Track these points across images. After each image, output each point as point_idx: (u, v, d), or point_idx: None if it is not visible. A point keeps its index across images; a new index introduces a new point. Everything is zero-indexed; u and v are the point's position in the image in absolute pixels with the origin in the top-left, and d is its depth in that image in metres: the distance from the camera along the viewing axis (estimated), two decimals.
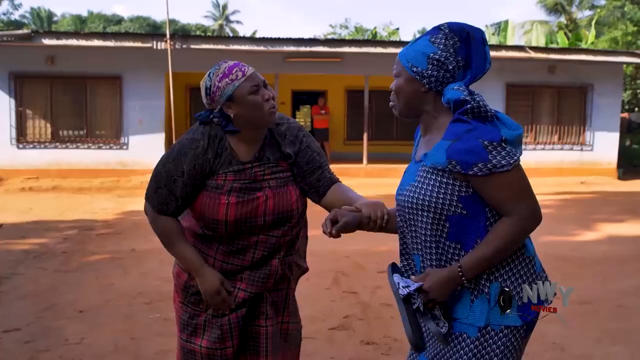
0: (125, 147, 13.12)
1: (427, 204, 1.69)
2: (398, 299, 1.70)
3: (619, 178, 14.42)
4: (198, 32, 41.76)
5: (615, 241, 6.98)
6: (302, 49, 12.92)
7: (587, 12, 26.31)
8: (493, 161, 1.59)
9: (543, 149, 14.54)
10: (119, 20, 50.23)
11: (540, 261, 1.79)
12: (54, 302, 4.51)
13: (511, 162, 1.60)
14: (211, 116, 2.06)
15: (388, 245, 5.15)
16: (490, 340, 1.67)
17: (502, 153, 1.60)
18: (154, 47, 12.21)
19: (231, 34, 41.89)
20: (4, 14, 38.97)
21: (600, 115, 14.48)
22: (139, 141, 13.05)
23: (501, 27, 21.48)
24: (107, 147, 13.10)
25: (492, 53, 13.85)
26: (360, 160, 14.08)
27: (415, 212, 1.74)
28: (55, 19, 48.75)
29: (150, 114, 12.99)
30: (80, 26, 45.45)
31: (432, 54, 1.68)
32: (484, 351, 1.66)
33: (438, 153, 1.66)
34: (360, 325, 4.07)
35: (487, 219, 1.67)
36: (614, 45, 19.71)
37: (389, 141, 16.07)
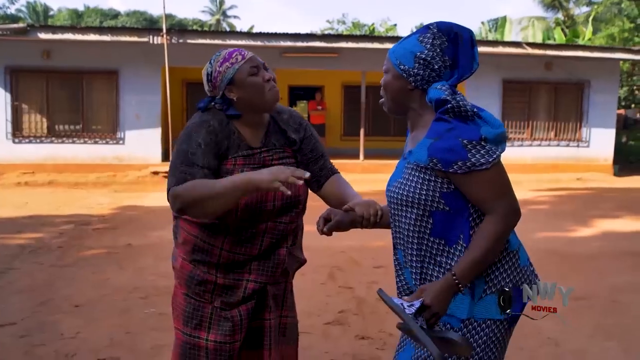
0: (121, 142, 13.10)
1: (411, 200, 1.74)
2: (408, 318, 1.64)
3: (615, 174, 14.45)
4: (195, 27, 41.69)
5: (611, 237, 7.00)
6: (299, 44, 12.90)
7: (585, 9, 26.30)
8: (472, 159, 1.63)
9: (539, 145, 14.56)
10: (115, 15, 50.03)
11: (526, 253, 1.82)
12: (50, 297, 4.50)
13: (490, 160, 1.64)
14: (213, 103, 2.08)
15: (384, 240, 5.15)
16: (473, 331, 1.71)
17: (482, 152, 1.64)
18: (151, 41, 12.18)
19: (228, 29, 41.80)
20: (0, 8, 38.83)
21: (596, 112, 14.51)
22: (135, 136, 13.03)
23: (499, 24, 21.50)
24: (104, 142, 13.08)
25: (489, 49, 13.92)
26: (357, 156, 14.09)
27: (401, 207, 1.79)
28: (51, 13, 48.55)
29: (146, 109, 12.97)
30: (77, 20, 45.26)
31: (419, 53, 1.72)
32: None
33: (421, 151, 1.71)
34: (355, 320, 4.08)
35: (470, 214, 1.71)
36: (611, 41, 19.71)
37: (386, 137, 16.07)
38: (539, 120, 14.61)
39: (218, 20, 47.73)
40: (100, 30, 13.53)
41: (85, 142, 13.02)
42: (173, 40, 12.17)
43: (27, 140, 12.85)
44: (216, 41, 12.69)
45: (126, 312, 4.20)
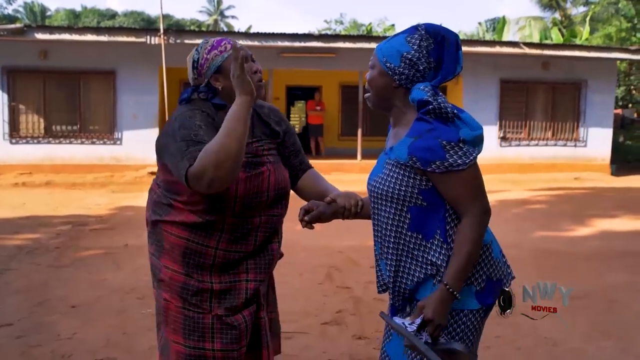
0: (119, 142, 13.08)
1: (390, 195, 1.81)
2: (410, 336, 1.70)
3: (612, 174, 14.47)
4: (192, 27, 41.66)
5: (608, 236, 7.01)
6: (297, 44, 12.90)
7: (582, 9, 26.35)
8: (450, 160, 1.70)
9: (537, 144, 14.58)
10: (112, 15, 49.95)
11: (499, 246, 1.91)
12: (47, 298, 4.49)
13: (467, 161, 1.71)
14: (197, 91, 2.04)
15: None
16: (452, 321, 1.79)
17: (459, 153, 1.70)
18: (148, 41, 12.16)
19: (226, 29, 41.78)
20: None
21: (593, 111, 14.52)
22: (132, 136, 13.01)
23: (496, 24, 21.52)
24: (101, 142, 13.06)
25: (487, 49, 13.93)
26: (354, 156, 14.08)
27: (380, 201, 1.86)
28: (48, 13, 48.49)
29: (144, 109, 12.95)
30: (74, 21, 45.19)
31: (405, 53, 1.79)
32: (446, 331, 1.79)
33: (401, 149, 1.78)
34: (352, 320, 4.08)
35: (446, 210, 1.79)
36: (608, 41, 19.75)
37: (383, 137, 15.67)
38: (536, 120, 14.62)
39: (216, 21, 47.69)
40: (97, 30, 13.50)
41: (82, 143, 13.00)
42: (170, 41, 12.15)
43: (24, 141, 12.82)
44: None
45: (123, 312, 4.19)
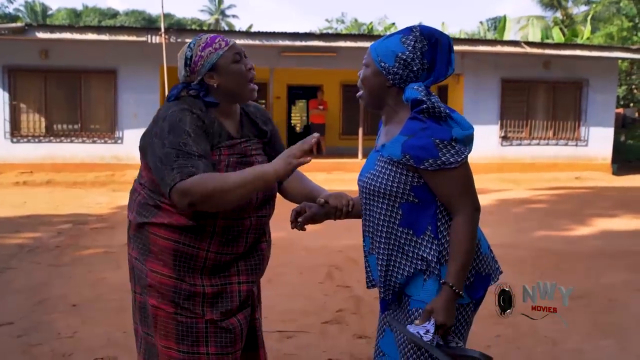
0: (119, 141, 13.08)
1: (382, 191, 1.85)
2: (428, 346, 1.72)
3: (614, 173, 14.46)
4: (193, 27, 41.62)
5: (609, 236, 7.01)
6: (298, 43, 12.89)
7: (583, 8, 26.30)
8: (442, 158, 1.75)
9: (538, 144, 14.56)
10: (114, 14, 49.94)
11: (487, 242, 1.95)
12: (47, 296, 4.50)
13: (459, 160, 1.76)
14: (187, 89, 2.01)
15: None
16: None
17: (452, 151, 1.75)
18: (149, 41, 12.16)
19: (227, 29, 41.78)
20: None
21: (595, 111, 14.50)
22: (133, 135, 12.99)
23: (497, 23, 21.50)
24: (102, 141, 13.06)
25: (488, 48, 13.91)
26: (355, 155, 14.08)
27: (372, 197, 1.90)
28: (50, 12, 48.48)
29: (145, 108, 12.93)
30: (75, 20, 45.19)
31: (400, 54, 1.82)
32: None
33: (395, 146, 1.82)
34: (353, 319, 4.08)
35: (437, 207, 1.83)
36: (610, 40, 19.72)
37: None
38: (537, 119, 14.61)
39: (217, 20, 47.66)
40: (98, 29, 13.50)
41: (83, 142, 13.01)
42: (171, 40, 12.15)
43: (25, 140, 12.83)
44: None
45: (123, 311, 4.17)
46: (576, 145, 14.65)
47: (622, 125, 21.07)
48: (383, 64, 1.84)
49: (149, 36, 12.21)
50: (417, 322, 1.77)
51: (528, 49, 13.64)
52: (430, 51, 1.82)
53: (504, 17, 20.97)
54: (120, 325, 3.89)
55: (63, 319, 4.01)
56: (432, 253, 1.81)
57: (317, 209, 2.10)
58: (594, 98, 14.47)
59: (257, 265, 2.10)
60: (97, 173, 12.57)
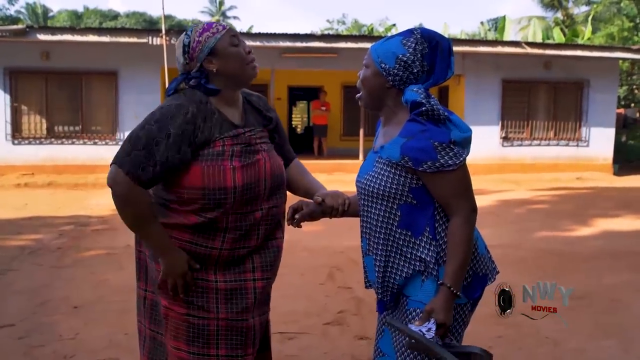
0: (120, 142, 13.04)
1: (381, 192, 1.86)
2: (433, 345, 1.71)
3: (615, 174, 14.45)
4: None
5: (610, 236, 7.00)
6: (298, 44, 12.90)
7: (584, 8, 26.29)
8: (441, 160, 1.76)
9: (539, 144, 14.56)
10: (115, 16, 49.95)
11: (484, 242, 1.97)
12: (49, 298, 4.50)
13: (457, 162, 1.77)
14: (188, 77, 2.01)
15: None
16: None
17: (450, 154, 1.76)
18: (150, 42, 12.16)
19: None
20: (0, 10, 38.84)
21: (596, 111, 14.49)
22: None
23: (498, 23, 21.49)
24: (103, 142, 13.06)
25: (488, 49, 13.90)
26: (356, 156, 14.06)
27: (370, 199, 1.91)
28: (51, 14, 48.52)
29: (146, 110, 12.71)
30: (76, 22, 45.18)
31: (401, 55, 1.83)
32: None
33: (393, 148, 1.83)
34: (354, 320, 4.08)
35: (435, 208, 1.84)
36: (610, 41, 19.71)
37: None
38: (538, 120, 14.60)
39: (217, 21, 47.73)
40: (99, 31, 13.51)
41: (84, 143, 13.01)
42: (172, 41, 12.13)
43: (26, 142, 12.84)
44: None
45: (125, 313, 4.18)
46: (577, 145, 14.64)
47: (623, 125, 21.06)
48: (383, 65, 1.85)
49: (150, 38, 12.22)
50: (417, 322, 1.78)
51: (529, 50, 13.64)
52: (431, 54, 1.83)
53: (505, 17, 20.97)
54: (122, 326, 3.89)
55: (65, 320, 4.02)
56: (430, 254, 1.83)
57: (313, 206, 2.12)
58: (594, 98, 14.45)
59: (272, 261, 2.09)
60: (99, 174, 12.54)
